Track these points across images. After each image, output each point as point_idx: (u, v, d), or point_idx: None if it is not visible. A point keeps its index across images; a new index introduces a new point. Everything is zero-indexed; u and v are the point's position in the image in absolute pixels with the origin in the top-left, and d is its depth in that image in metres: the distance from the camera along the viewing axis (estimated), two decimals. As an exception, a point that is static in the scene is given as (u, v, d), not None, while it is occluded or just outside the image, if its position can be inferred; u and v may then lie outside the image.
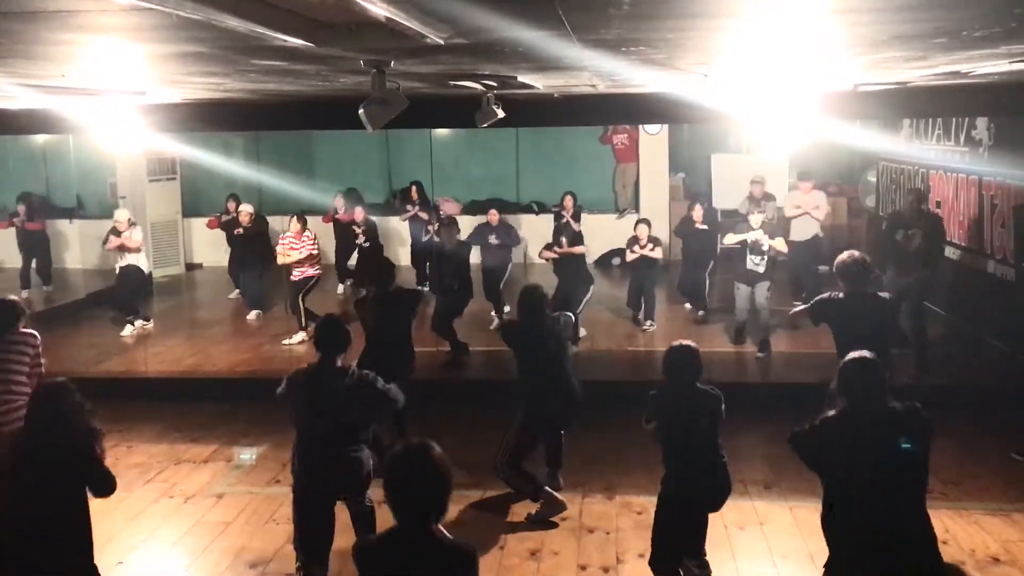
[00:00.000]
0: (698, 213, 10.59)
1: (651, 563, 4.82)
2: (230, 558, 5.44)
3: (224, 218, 12.36)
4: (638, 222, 10.32)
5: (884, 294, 6.18)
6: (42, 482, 3.92)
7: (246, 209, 11.58)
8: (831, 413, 4.01)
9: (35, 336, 5.62)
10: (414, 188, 12.67)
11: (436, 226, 11.08)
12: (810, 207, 10.57)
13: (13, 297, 6.07)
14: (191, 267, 15.07)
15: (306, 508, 4.87)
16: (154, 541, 5.65)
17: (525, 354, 5.99)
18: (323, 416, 4.79)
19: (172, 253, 14.63)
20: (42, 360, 5.64)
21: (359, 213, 11.89)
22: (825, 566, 4.09)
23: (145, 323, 10.91)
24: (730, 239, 9.08)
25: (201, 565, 5.40)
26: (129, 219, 10.69)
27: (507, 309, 10.01)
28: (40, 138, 14.82)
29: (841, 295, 5.89)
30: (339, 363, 4.85)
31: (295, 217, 10.23)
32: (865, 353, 4.07)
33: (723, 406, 4.68)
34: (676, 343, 4.77)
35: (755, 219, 9.06)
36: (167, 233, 14.54)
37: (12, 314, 5.59)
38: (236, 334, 10.69)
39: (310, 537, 4.88)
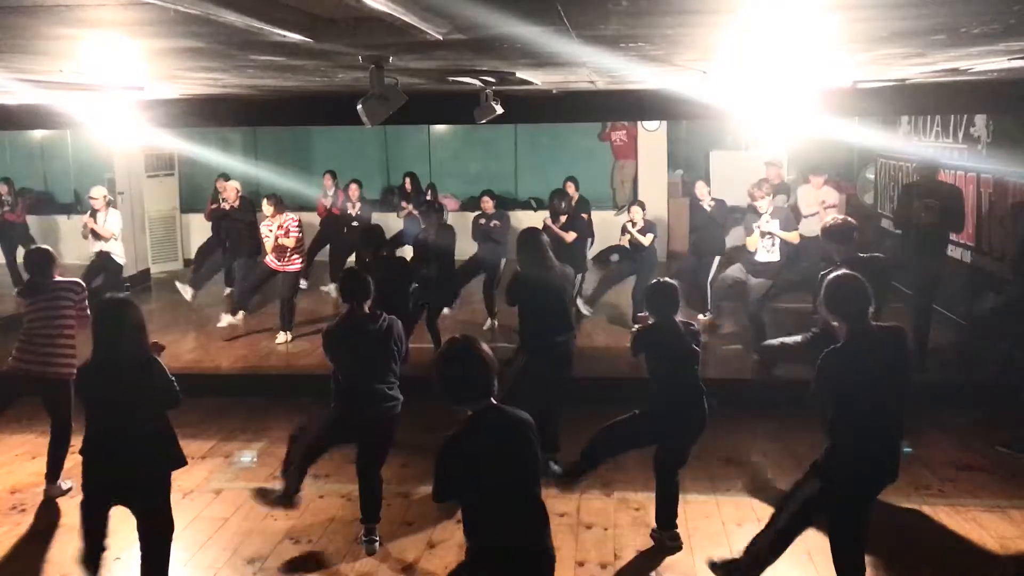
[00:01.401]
0: (702, 190, 10.02)
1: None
2: (228, 554, 5.45)
3: (214, 206, 11.70)
4: (631, 204, 10.08)
5: (876, 254, 6.26)
6: (114, 392, 4.30)
7: (232, 184, 10.92)
8: (839, 344, 4.25)
9: (77, 283, 6.16)
10: (407, 180, 12.52)
11: (419, 212, 10.78)
12: (821, 202, 10.12)
13: (45, 246, 6.43)
14: (189, 263, 15.04)
15: (334, 427, 5.39)
16: (152, 537, 5.64)
17: (529, 303, 6.24)
18: (363, 358, 5.25)
19: (170, 249, 14.62)
20: (86, 299, 6.13)
21: (354, 190, 11.45)
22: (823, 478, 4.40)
23: None
24: (752, 243, 8.62)
25: (199, 560, 5.40)
26: (105, 196, 10.19)
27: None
28: (38, 134, 14.81)
29: (837, 261, 5.89)
30: (367, 309, 5.34)
31: (266, 199, 9.69)
32: (849, 272, 4.40)
33: (700, 338, 5.27)
34: (657, 280, 5.26)
35: (762, 203, 8.67)
36: (165, 229, 14.52)
37: (46, 263, 6.09)
38: (234, 330, 10.67)
39: (314, 450, 5.48)
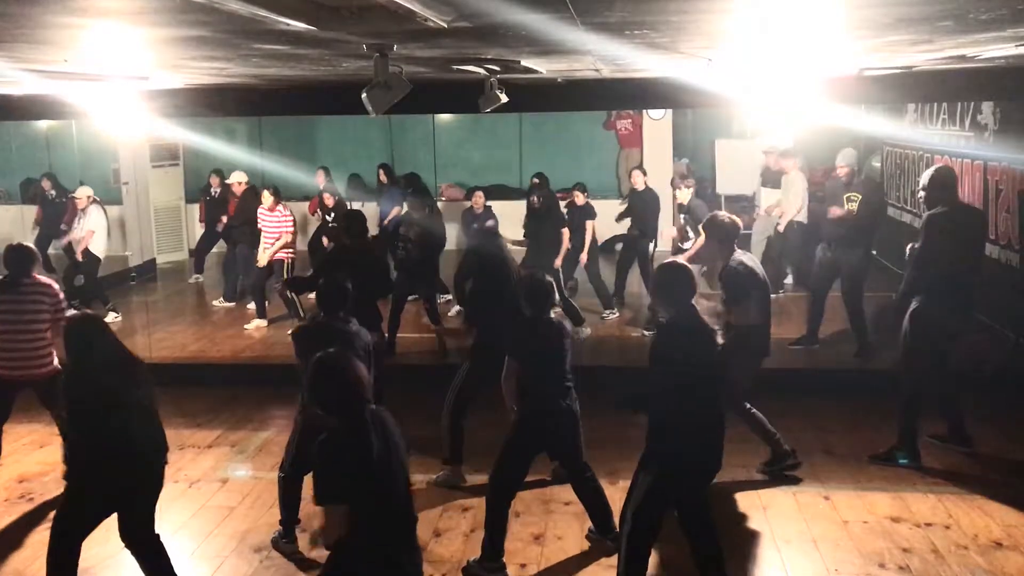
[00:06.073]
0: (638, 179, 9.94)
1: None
2: (235, 542, 5.47)
3: (209, 197, 11.97)
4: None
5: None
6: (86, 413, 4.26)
7: (237, 178, 10.98)
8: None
9: (52, 286, 5.93)
10: (381, 171, 12.39)
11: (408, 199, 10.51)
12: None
13: (27, 244, 6.32)
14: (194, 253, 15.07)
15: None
16: (159, 526, 5.63)
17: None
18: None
19: (175, 239, 14.65)
20: (64, 305, 5.97)
21: (328, 198, 11.38)
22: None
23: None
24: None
25: (206, 549, 5.42)
26: (89, 196, 10.24)
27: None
28: (43, 124, 14.81)
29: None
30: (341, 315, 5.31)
31: (267, 190, 9.95)
32: (678, 259, 4.59)
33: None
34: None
35: (682, 194, 9.03)
36: (170, 219, 14.55)
37: (26, 260, 5.91)
38: (240, 319, 10.67)
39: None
